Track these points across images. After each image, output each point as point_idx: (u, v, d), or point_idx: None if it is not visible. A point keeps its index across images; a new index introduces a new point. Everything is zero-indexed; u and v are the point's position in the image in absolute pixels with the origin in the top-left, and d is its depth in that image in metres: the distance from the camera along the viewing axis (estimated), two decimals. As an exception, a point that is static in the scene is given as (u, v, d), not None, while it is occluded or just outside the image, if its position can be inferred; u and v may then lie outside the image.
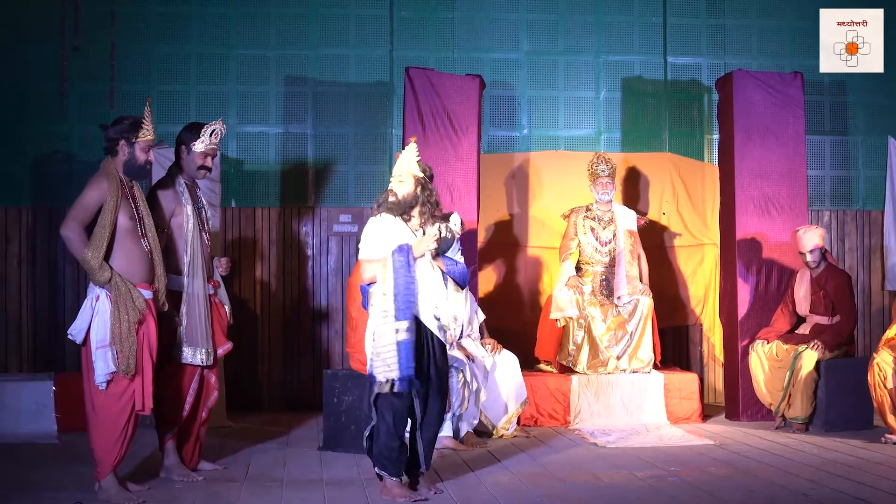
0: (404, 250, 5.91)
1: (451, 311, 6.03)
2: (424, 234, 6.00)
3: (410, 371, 5.81)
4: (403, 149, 8.80)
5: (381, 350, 5.84)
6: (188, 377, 6.55)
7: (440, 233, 6.00)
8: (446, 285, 6.06)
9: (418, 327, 5.94)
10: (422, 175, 6.14)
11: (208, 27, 9.89)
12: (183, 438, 6.66)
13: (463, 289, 6.16)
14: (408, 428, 6.05)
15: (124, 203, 6.00)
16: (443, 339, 6.05)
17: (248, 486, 6.33)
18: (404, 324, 5.83)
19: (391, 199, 6.06)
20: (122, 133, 6.07)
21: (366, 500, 5.92)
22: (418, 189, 6.09)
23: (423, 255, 5.95)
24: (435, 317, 5.96)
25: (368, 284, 6.06)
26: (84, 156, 9.47)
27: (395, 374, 5.80)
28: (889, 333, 7.95)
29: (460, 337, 6.16)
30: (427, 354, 6.00)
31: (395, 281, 5.88)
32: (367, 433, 5.98)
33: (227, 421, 8.72)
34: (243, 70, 9.92)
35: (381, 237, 6.01)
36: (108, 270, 5.85)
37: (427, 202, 6.11)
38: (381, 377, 5.83)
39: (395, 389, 5.82)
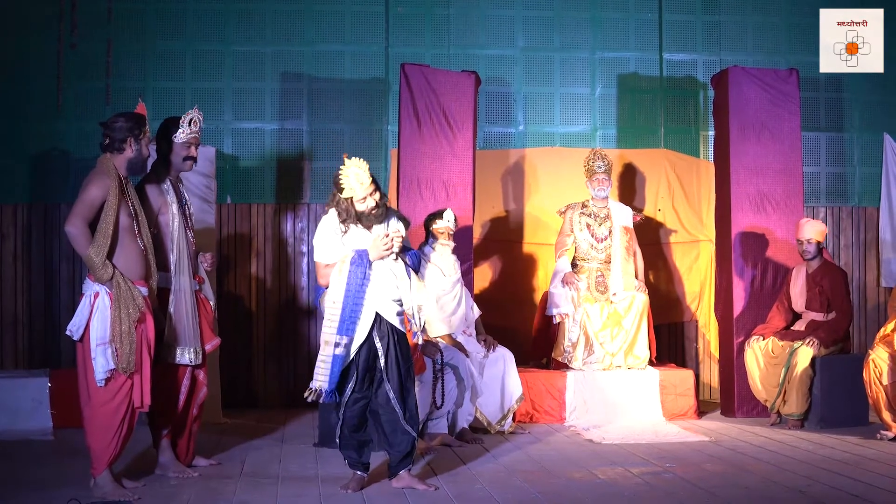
0: (361, 260, 5.92)
1: (416, 300, 6.03)
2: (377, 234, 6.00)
3: (334, 386, 5.90)
4: (399, 146, 8.88)
5: (319, 358, 5.93)
6: (181, 374, 6.55)
7: (401, 232, 6.00)
8: (409, 276, 6.05)
9: (380, 325, 5.97)
10: (377, 185, 6.09)
11: (204, 24, 9.88)
12: (176, 435, 6.67)
13: (417, 273, 6.17)
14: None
15: (123, 201, 6.01)
16: (402, 329, 6.04)
17: (243, 482, 6.34)
18: (344, 339, 5.89)
19: (358, 209, 6.01)
20: (131, 131, 6.10)
21: (361, 498, 5.93)
22: (377, 197, 6.05)
23: (381, 257, 5.95)
24: (398, 312, 5.98)
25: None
26: (80, 153, 9.46)
27: (324, 386, 5.89)
28: (885, 330, 7.95)
29: (422, 330, 6.20)
30: (388, 351, 6.01)
31: (346, 292, 5.91)
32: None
33: (222, 417, 8.73)
34: (239, 66, 9.91)
35: (336, 238, 6.02)
36: (110, 268, 5.87)
37: (383, 205, 6.08)
38: (313, 384, 5.93)
39: (321, 400, 5.93)
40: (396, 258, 6.01)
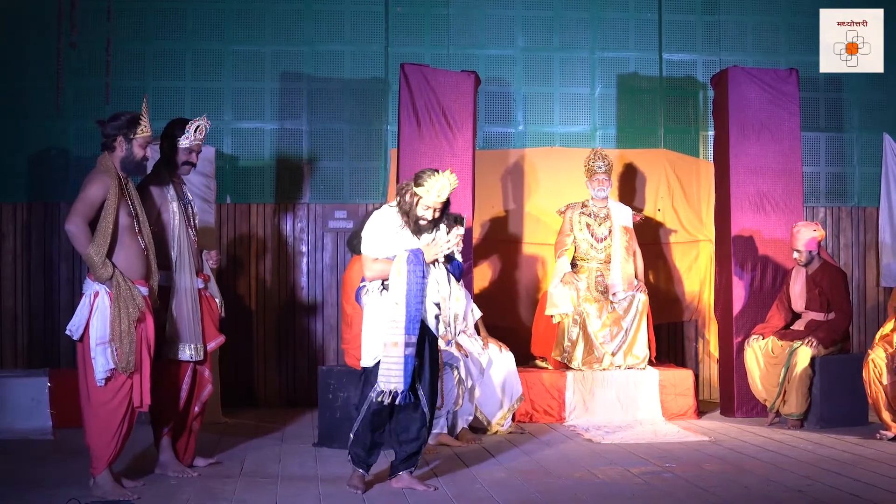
0: (418, 259, 5.91)
1: (455, 309, 6.06)
2: (434, 238, 6.02)
3: (409, 384, 5.87)
4: (398, 146, 8.86)
5: (387, 360, 5.87)
6: (182, 372, 6.55)
7: (458, 239, 6.02)
8: (449, 283, 6.08)
9: (422, 330, 5.98)
10: (446, 210, 6.12)
11: (204, 23, 9.88)
12: (177, 433, 6.66)
13: (459, 282, 6.20)
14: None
15: (123, 200, 6.01)
16: (437, 334, 6.08)
17: (242, 482, 6.34)
18: (413, 338, 5.87)
19: (418, 213, 6.02)
20: (119, 129, 6.08)
21: (361, 498, 5.93)
22: (436, 216, 6.06)
23: (435, 259, 5.97)
24: (436, 315, 5.99)
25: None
26: (79, 152, 9.46)
27: (399, 387, 5.85)
28: (884, 330, 7.95)
29: (456, 333, 6.22)
30: (423, 353, 6.04)
31: (408, 292, 5.89)
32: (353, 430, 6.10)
33: (221, 417, 8.72)
34: (239, 66, 9.91)
35: (387, 233, 6.02)
36: (110, 267, 5.87)
37: (432, 225, 6.10)
38: (383, 386, 5.88)
39: (397, 402, 5.90)
40: (437, 265, 6.04)
